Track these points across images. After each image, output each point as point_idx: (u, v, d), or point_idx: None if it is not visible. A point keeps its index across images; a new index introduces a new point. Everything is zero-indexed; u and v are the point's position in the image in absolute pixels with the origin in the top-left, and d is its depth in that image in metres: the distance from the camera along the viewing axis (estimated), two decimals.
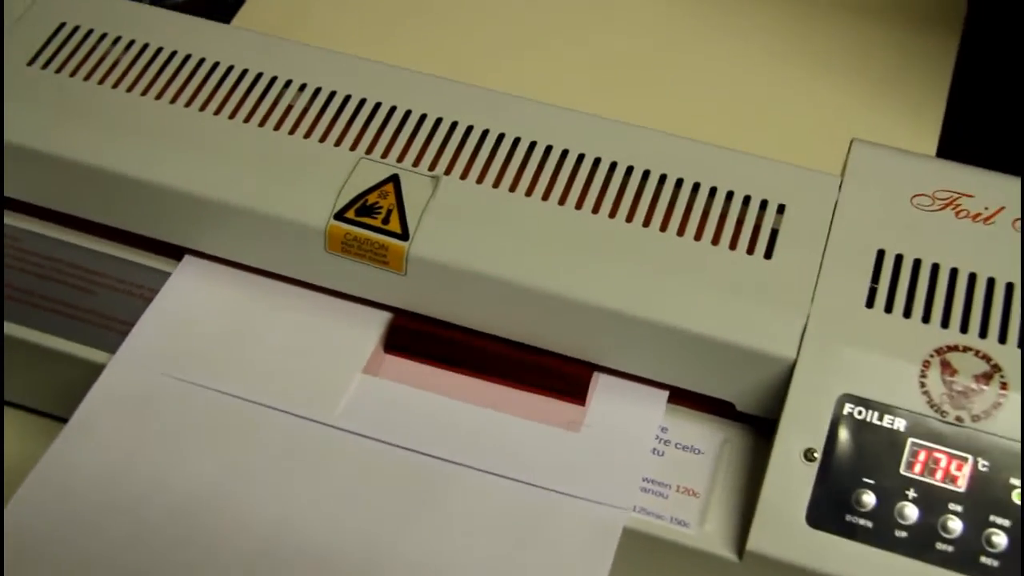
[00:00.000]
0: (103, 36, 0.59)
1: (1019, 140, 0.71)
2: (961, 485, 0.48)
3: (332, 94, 0.57)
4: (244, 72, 0.58)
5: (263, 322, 0.55)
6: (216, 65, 0.58)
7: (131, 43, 0.59)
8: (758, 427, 0.52)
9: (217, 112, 0.57)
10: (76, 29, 0.60)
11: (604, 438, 0.52)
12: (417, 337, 0.55)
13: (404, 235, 0.53)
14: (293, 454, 0.51)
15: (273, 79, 0.58)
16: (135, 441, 0.52)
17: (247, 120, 0.56)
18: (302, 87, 0.58)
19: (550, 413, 0.53)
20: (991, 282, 0.51)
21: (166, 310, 0.56)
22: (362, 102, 0.57)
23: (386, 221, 0.53)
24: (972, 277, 0.51)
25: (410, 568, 0.48)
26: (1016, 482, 0.47)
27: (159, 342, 0.54)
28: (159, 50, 0.59)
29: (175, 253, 0.57)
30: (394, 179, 0.54)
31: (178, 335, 0.55)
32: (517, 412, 0.53)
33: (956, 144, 0.68)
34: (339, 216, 0.53)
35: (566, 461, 0.51)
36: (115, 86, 0.58)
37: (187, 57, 0.59)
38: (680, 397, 0.53)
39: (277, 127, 0.56)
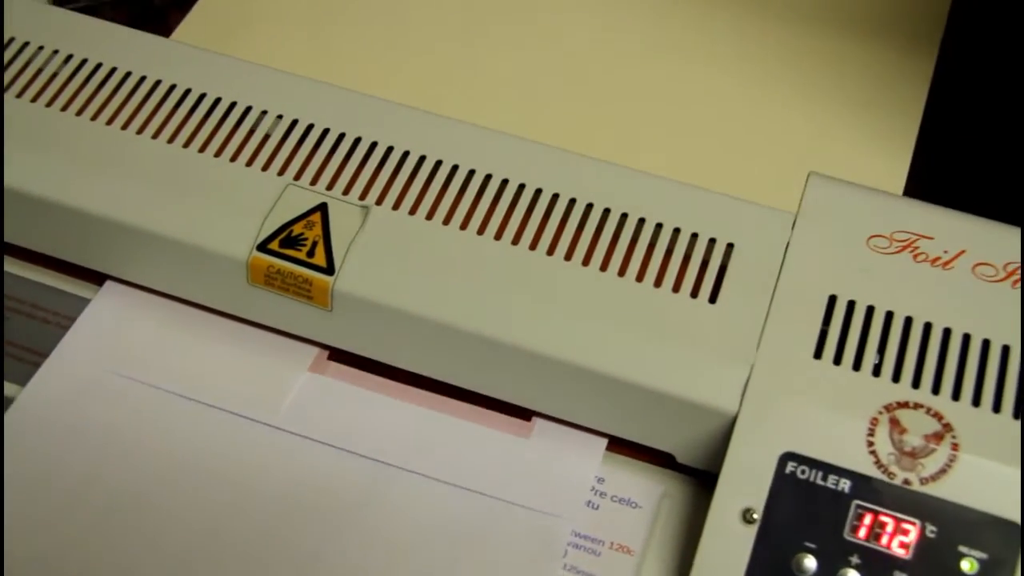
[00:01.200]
0: (25, 44, 0.57)
1: (994, 171, 0.68)
2: (907, 551, 0.45)
3: (263, 113, 0.54)
4: (171, 88, 0.55)
5: (195, 342, 0.53)
6: (142, 80, 0.55)
7: (55, 52, 0.56)
8: (700, 479, 0.49)
9: (140, 131, 0.54)
10: None
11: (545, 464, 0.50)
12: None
13: (329, 269, 0.50)
14: (231, 455, 0.49)
15: (202, 96, 0.55)
16: (68, 440, 0.50)
17: (171, 140, 0.53)
18: (232, 106, 0.55)
19: (496, 423, 0.51)
20: (947, 333, 0.48)
21: (96, 323, 0.53)
22: (294, 123, 0.54)
23: (311, 254, 0.50)
24: (927, 327, 0.48)
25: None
26: (965, 550, 0.45)
27: (94, 344, 0.52)
28: (83, 61, 0.56)
29: (96, 278, 0.54)
30: (322, 208, 0.51)
31: (112, 339, 0.53)
32: (462, 417, 0.51)
33: (928, 176, 0.66)
34: (262, 247, 0.50)
35: (511, 470, 0.49)
36: (34, 100, 0.55)
37: (112, 70, 0.56)
38: (619, 444, 0.50)
39: (203, 149, 0.53)
